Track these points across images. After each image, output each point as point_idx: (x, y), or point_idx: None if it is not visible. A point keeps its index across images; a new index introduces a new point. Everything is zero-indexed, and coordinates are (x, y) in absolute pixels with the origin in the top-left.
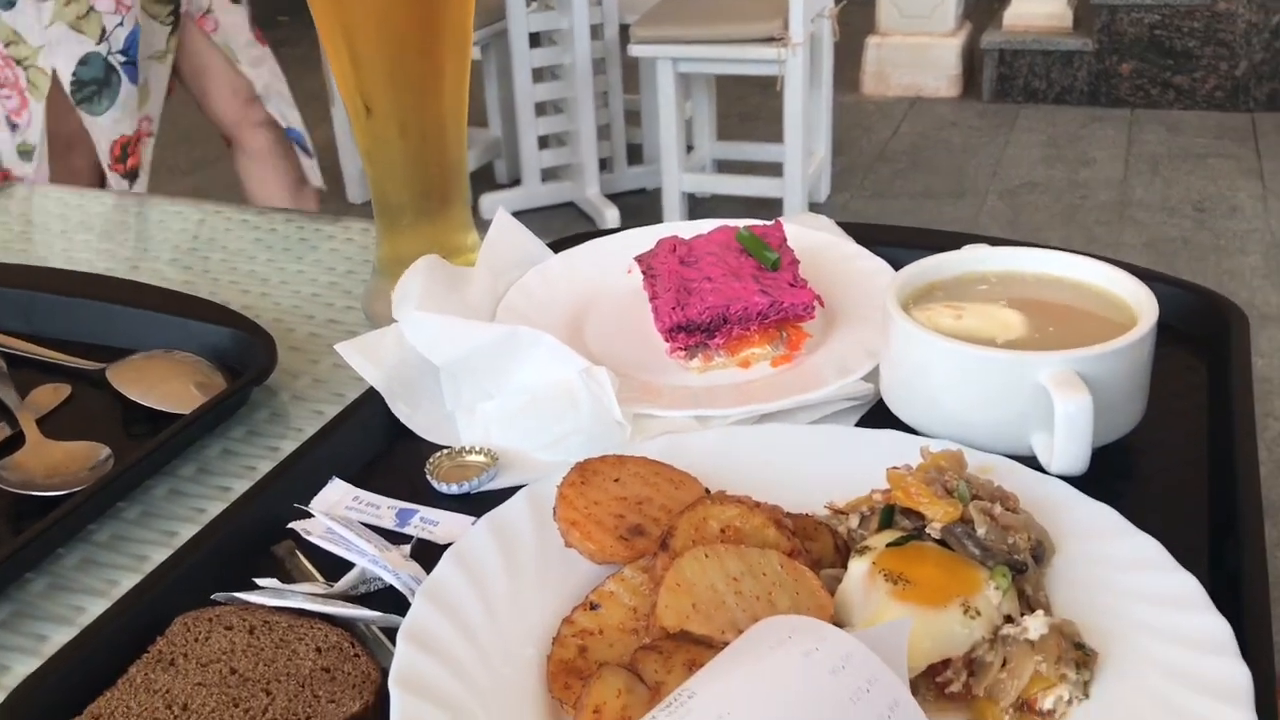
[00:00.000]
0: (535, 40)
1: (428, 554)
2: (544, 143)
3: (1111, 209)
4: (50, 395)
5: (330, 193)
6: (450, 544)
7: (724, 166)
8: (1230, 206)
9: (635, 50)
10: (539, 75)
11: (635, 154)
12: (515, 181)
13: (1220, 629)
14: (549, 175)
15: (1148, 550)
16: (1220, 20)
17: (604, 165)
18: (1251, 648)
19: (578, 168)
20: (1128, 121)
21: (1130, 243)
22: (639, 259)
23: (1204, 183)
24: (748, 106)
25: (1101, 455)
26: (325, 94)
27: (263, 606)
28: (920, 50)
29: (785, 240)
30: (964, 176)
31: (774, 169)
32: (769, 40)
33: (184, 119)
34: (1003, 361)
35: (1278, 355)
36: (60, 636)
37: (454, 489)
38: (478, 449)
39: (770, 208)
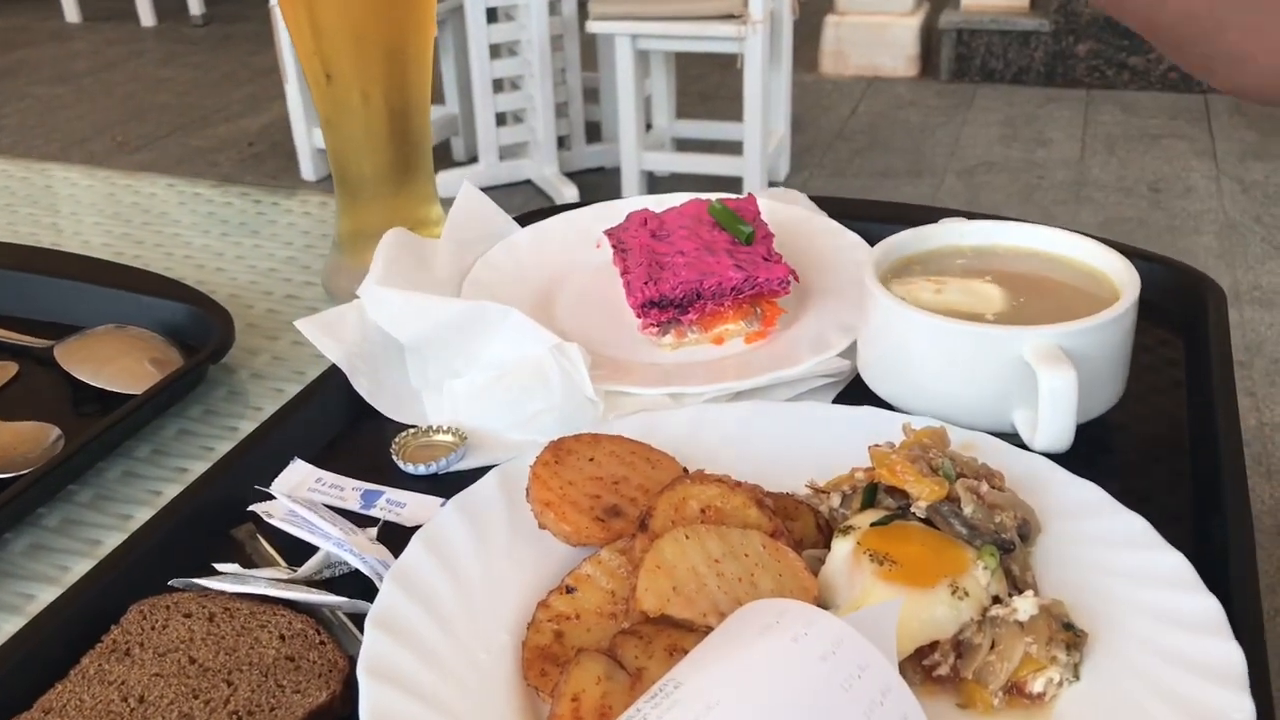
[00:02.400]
0: (492, 15)
1: (395, 537)
2: (501, 120)
3: (1068, 189)
4: None
5: (284, 170)
6: (418, 526)
7: (683, 145)
8: (1185, 187)
9: (593, 27)
10: (496, 51)
11: (594, 132)
12: (472, 159)
13: (1212, 609)
14: (506, 153)
15: (1135, 529)
16: None
17: (562, 143)
18: (1241, 626)
19: (535, 145)
20: (1084, 102)
21: (1087, 222)
22: (609, 233)
23: (1159, 163)
24: (707, 85)
25: (1083, 431)
26: (278, 70)
27: (223, 593)
28: (878, 30)
29: (759, 214)
30: (922, 156)
31: (733, 147)
32: (729, 18)
33: (136, 95)
34: (986, 336)
35: (1230, 333)
36: (9, 626)
37: (421, 470)
38: (445, 428)
39: (729, 186)
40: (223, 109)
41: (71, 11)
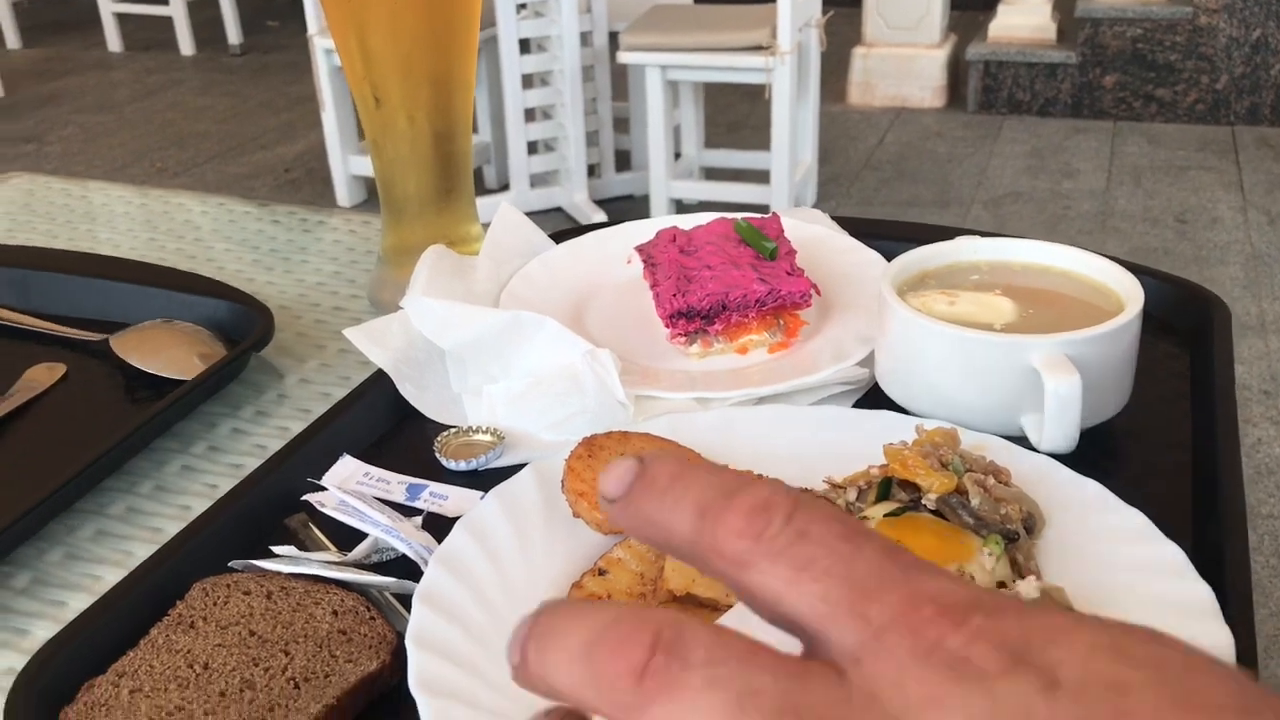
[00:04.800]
0: (525, 47)
1: (438, 526)
2: (533, 148)
3: (1094, 219)
4: (46, 374)
5: (320, 196)
6: (459, 517)
7: (711, 174)
8: (1211, 218)
9: (624, 57)
10: (528, 81)
11: (623, 160)
12: (504, 187)
13: (1204, 595)
14: (537, 181)
15: (1135, 523)
16: (1201, 34)
17: (592, 171)
18: (1233, 613)
19: (566, 173)
20: (1110, 133)
21: (1113, 252)
22: (639, 249)
23: (1185, 194)
24: (735, 115)
25: (1089, 436)
26: (314, 98)
27: (279, 573)
28: (906, 61)
29: (782, 231)
30: (949, 186)
31: (761, 176)
32: (757, 49)
33: (176, 123)
34: (995, 344)
35: (1256, 363)
36: (78, 603)
37: (462, 466)
38: (484, 429)
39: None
40: (259, 136)
41: (114, 41)
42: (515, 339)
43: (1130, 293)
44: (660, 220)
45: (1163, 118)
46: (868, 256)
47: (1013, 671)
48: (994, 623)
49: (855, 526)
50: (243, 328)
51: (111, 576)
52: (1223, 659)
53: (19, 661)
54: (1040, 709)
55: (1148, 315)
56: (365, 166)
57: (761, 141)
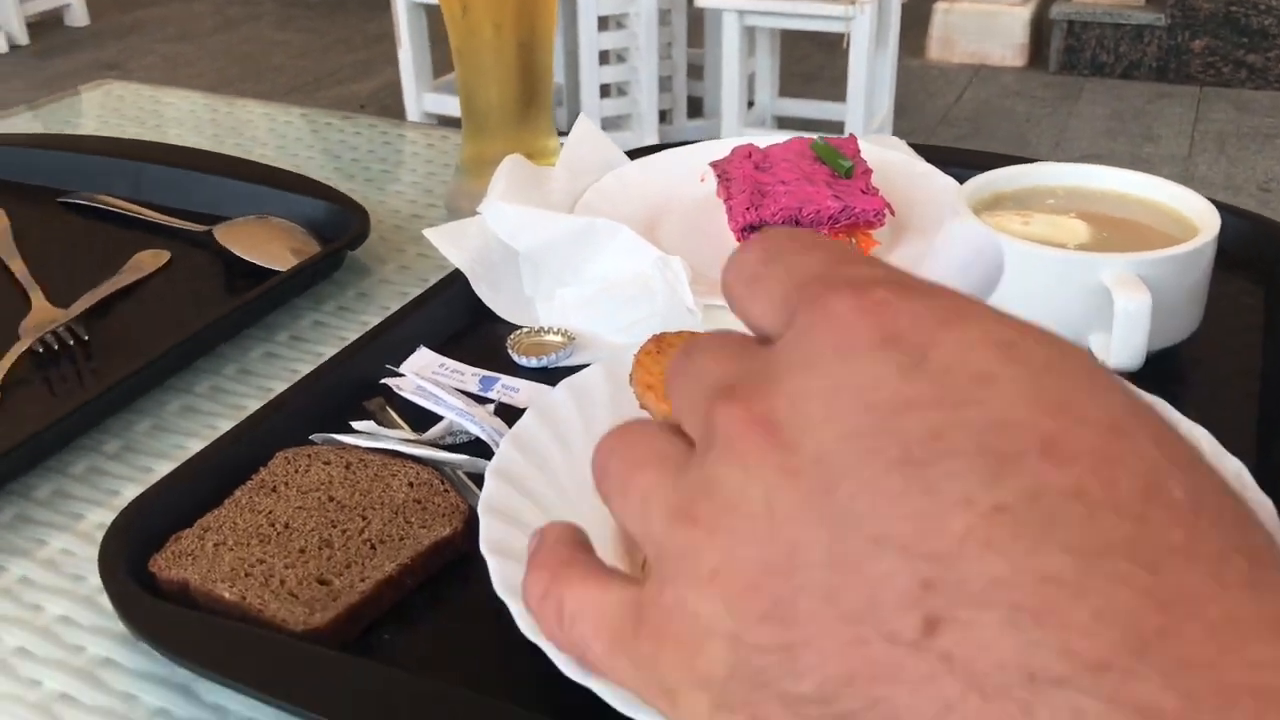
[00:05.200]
0: None
1: (509, 415)
2: (605, 92)
3: None
4: (151, 260)
5: None
6: None
7: (784, 123)
8: None
9: (702, 1)
10: (604, 24)
11: (695, 107)
12: None
13: (1266, 506)
14: (609, 124)
15: (1197, 437)
16: None
17: (663, 117)
18: None
19: (637, 118)
20: (1196, 99)
21: None
22: (714, 164)
23: (1270, 162)
24: (811, 66)
25: (1155, 360)
26: (390, 37)
27: (358, 447)
28: (988, 18)
29: (859, 153)
30: (1026, 146)
31: (835, 128)
32: None
33: (253, 56)
34: (1067, 262)
35: None
36: (164, 468)
37: (533, 362)
38: (555, 329)
39: None
40: (336, 72)
41: None
42: (589, 245)
43: (1206, 219)
44: (736, 139)
45: (1253, 84)
46: (943, 182)
47: (880, 347)
48: (894, 298)
49: (814, 238)
50: (336, 226)
51: (196, 447)
52: (1135, 390)
53: (109, 518)
54: (891, 383)
55: (1224, 250)
56: (440, 105)
57: (837, 94)
